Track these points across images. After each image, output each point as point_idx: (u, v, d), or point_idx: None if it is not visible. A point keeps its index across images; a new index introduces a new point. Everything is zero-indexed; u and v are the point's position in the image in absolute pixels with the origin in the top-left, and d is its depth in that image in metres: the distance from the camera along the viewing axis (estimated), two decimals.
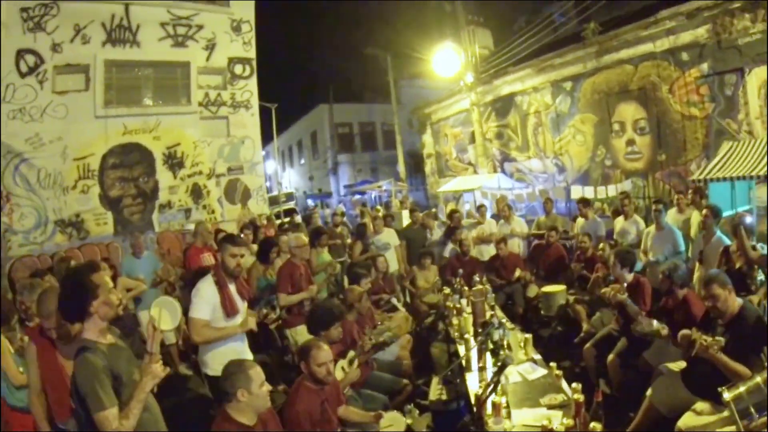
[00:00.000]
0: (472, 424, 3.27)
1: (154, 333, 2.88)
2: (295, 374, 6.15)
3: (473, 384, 4.16)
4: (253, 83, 14.91)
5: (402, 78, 26.04)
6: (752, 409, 2.80)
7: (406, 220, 13.59)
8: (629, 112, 13.42)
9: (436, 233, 9.90)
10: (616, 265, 5.24)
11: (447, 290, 6.95)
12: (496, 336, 4.71)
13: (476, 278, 7.16)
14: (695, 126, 11.85)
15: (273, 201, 15.96)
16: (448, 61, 18.16)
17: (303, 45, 31.20)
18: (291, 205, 23.39)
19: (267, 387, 2.98)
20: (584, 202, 8.91)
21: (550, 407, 3.59)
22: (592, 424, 2.96)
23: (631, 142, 13.56)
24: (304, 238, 6.49)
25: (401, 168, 24.81)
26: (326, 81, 32.02)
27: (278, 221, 16.17)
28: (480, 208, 10.28)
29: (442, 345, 6.52)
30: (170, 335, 6.62)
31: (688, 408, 3.64)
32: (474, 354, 4.58)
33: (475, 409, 3.48)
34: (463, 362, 4.58)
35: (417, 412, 3.83)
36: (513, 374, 4.19)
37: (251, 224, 10.29)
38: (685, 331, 3.74)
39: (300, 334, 5.63)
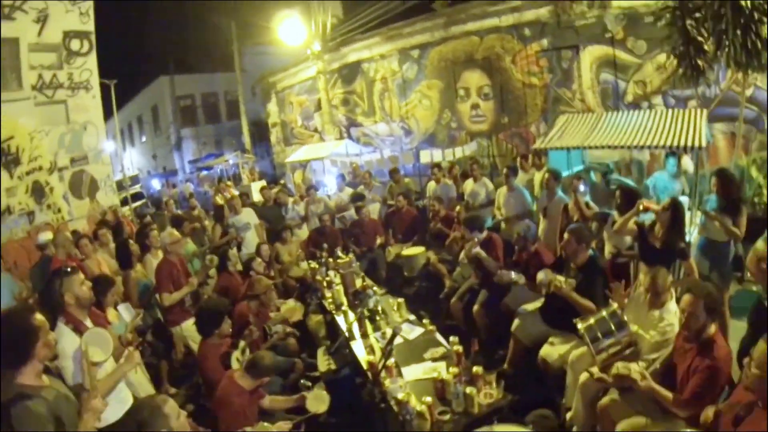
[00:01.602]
0: (371, 389, 3.52)
1: (88, 368, 2.85)
2: (187, 372, 6.23)
3: (360, 351, 4.55)
4: (92, 60, 13.20)
5: (246, 46, 25.24)
6: (600, 335, 3.51)
7: (256, 193, 13.55)
8: (474, 79, 14.55)
9: (292, 209, 9.95)
10: (466, 229, 5.97)
11: (314, 264, 7.23)
12: (371, 304, 5.16)
13: (337, 248, 7.65)
14: (535, 93, 13.35)
15: (118, 186, 14.62)
16: (295, 29, 17.91)
17: (139, 13, 28.33)
18: (137, 188, 21.85)
19: (184, 414, 2.73)
20: (437, 167, 9.63)
21: (434, 360, 4.06)
22: (474, 368, 3.47)
23: (475, 107, 14.74)
24: (177, 234, 6.39)
25: (246, 139, 24.34)
26: (166, 51, 30.02)
27: (126, 208, 15.20)
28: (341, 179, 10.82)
29: (317, 317, 6.77)
30: None
31: (546, 339, 4.47)
32: (355, 324, 4.99)
33: (370, 374, 3.89)
34: (347, 333, 4.95)
35: (310, 384, 4.04)
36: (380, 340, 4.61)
37: (104, 222, 9.50)
38: (541, 273, 4.50)
39: (187, 330, 5.74)
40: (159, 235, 6.78)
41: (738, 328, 4.57)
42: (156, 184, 28.64)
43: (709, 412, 2.61)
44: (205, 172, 25.66)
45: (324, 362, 5.18)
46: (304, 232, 9.33)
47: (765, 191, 7.81)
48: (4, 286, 6.83)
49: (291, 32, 18.15)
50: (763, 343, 2.27)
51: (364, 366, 4.14)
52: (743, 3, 7.36)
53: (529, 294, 5.28)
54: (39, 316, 2.64)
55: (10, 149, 11.34)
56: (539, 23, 12.76)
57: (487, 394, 3.33)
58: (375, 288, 5.87)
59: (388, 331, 4.62)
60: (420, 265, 7.67)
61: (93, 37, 13.12)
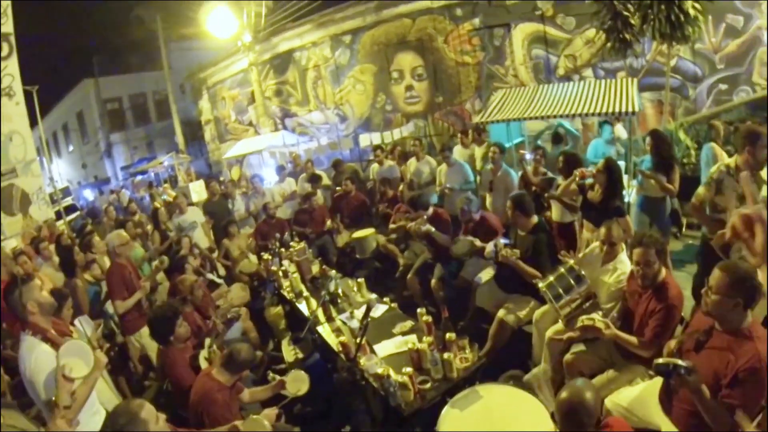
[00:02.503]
0: (351, 367, 3.62)
1: (64, 383, 2.74)
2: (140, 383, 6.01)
3: (328, 334, 4.61)
4: (13, 64, 12.27)
5: (172, 41, 24.28)
6: (561, 291, 3.72)
7: (194, 194, 13.21)
8: (407, 61, 14.79)
9: (239, 203, 9.82)
10: (411, 209, 6.37)
11: (266, 255, 7.13)
12: (332, 287, 5.19)
13: (286, 237, 7.65)
14: (468, 71, 13.72)
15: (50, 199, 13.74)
16: (225, 21, 17.29)
17: (56, 12, 26.62)
18: (69, 201, 20.71)
19: (162, 417, 2.62)
20: (380, 149, 9.71)
21: (404, 334, 4.15)
22: (447, 335, 3.58)
23: (410, 88, 15.00)
24: (126, 235, 6.06)
25: (179, 138, 23.53)
26: (88, 52, 28.43)
27: (60, 222, 14.25)
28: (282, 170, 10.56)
29: (275, 308, 6.58)
30: None
31: (504, 303, 4.67)
32: (319, 309, 4.98)
33: (343, 355, 3.95)
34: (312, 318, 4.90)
35: (278, 377, 3.99)
36: (358, 317, 4.65)
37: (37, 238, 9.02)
38: (489, 245, 4.75)
39: (144, 336, 5.48)
40: (102, 241, 6.54)
41: (680, 278, 4.91)
42: (88, 195, 27.32)
43: (671, 344, 2.82)
44: (139, 177, 24.65)
45: (290, 352, 5.17)
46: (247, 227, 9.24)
47: (693, 152, 8.32)
48: None
49: (220, 24, 17.55)
50: (717, 270, 2.52)
51: (336, 348, 4.17)
52: None
53: (482, 263, 5.50)
54: None
55: None
56: (471, 3, 13.14)
57: (463, 358, 3.44)
58: (333, 271, 5.92)
59: (356, 312, 4.75)
60: (372, 246, 7.68)
61: (13, 39, 12.28)
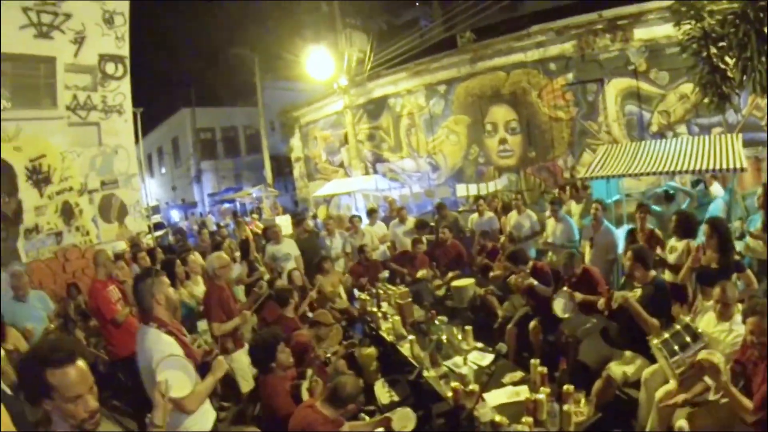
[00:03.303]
0: (467, 415, 3.73)
1: (162, 403, 2.64)
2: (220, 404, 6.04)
3: (434, 381, 4.73)
4: (126, 85, 13.31)
5: (267, 80, 25.83)
6: (676, 348, 3.76)
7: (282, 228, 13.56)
8: (501, 114, 15.07)
9: (337, 241, 9.99)
10: (512, 263, 6.27)
11: (363, 295, 7.40)
12: (438, 332, 5.37)
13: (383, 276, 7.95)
14: (561, 127, 13.86)
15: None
16: (323, 63, 18.29)
17: (163, 42, 28.76)
18: (158, 218, 22.31)
19: None
20: (482, 199, 9.97)
21: (514, 384, 4.30)
22: (565, 387, 3.72)
23: (503, 141, 15.20)
24: (226, 257, 6.17)
25: (268, 173, 24.74)
26: (188, 83, 30.70)
27: (148, 237, 15.23)
28: (370, 213, 10.73)
29: (368, 349, 6.59)
30: None
31: (610, 358, 4.68)
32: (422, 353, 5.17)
33: (452, 400, 4.10)
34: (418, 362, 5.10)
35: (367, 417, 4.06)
36: (466, 365, 4.79)
37: (136, 245, 9.62)
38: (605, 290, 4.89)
39: (237, 360, 5.52)
40: (198, 260, 6.81)
41: None
42: (175, 216, 29.14)
43: None
44: (226, 205, 26.00)
45: (385, 394, 5.25)
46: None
47: None
48: (39, 305, 6.61)
49: (318, 66, 18.46)
50: None
51: (445, 394, 4.33)
52: (767, 29, 7.77)
53: (583, 318, 5.57)
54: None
55: (42, 168, 11.40)
56: (564, 57, 13.42)
57: (578, 412, 3.58)
58: (442, 317, 5.96)
59: (458, 359, 4.93)
60: (469, 296, 7.81)
61: (127, 62, 13.34)
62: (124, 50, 13.27)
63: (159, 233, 18.83)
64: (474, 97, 15.53)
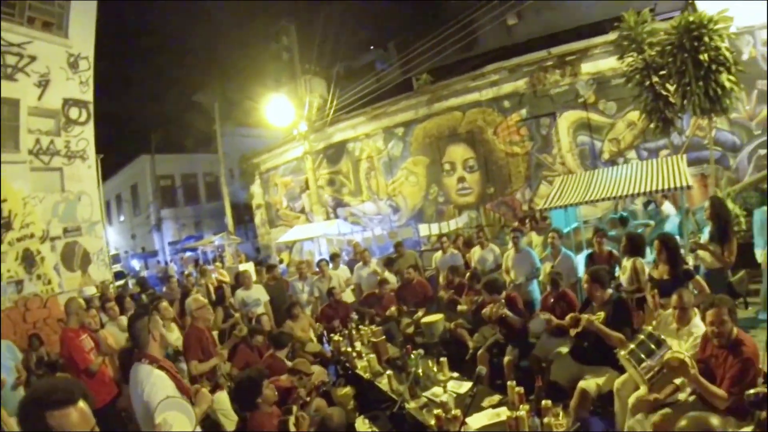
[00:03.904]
0: None
1: None
2: None
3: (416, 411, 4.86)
4: (89, 130, 13.40)
5: (225, 127, 25.91)
6: (643, 356, 3.98)
7: None
8: (459, 152, 15.61)
9: (309, 285, 10.10)
10: (487, 293, 6.49)
11: (336, 337, 7.52)
12: (415, 365, 5.50)
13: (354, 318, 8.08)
14: (517, 161, 14.45)
15: None
16: (283, 110, 18.61)
17: (122, 87, 28.63)
18: (118, 267, 21.91)
19: None
20: (445, 237, 10.21)
21: (493, 407, 4.46)
22: (543, 402, 3.90)
23: (461, 179, 15.67)
24: (203, 299, 6.36)
25: (229, 220, 24.57)
26: (148, 129, 30.50)
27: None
28: (333, 257, 10.94)
29: (342, 389, 6.69)
30: None
31: (581, 377, 4.90)
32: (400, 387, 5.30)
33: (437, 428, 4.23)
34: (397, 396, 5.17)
35: None
36: (446, 393, 4.92)
37: (105, 297, 9.47)
38: (570, 315, 5.15)
39: (219, 401, 5.50)
40: (169, 307, 6.78)
41: None
42: (136, 265, 28.56)
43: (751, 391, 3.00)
44: (188, 254, 25.71)
45: (366, 430, 5.36)
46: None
47: (743, 220, 8.64)
48: (9, 353, 6.40)
49: (279, 112, 18.79)
50: None
51: (427, 422, 4.47)
52: (701, 56, 8.48)
53: (554, 341, 5.86)
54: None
55: (2, 213, 11.11)
56: (517, 94, 14.12)
57: (558, 424, 3.73)
58: (419, 351, 6.03)
59: (437, 389, 5.06)
60: (439, 331, 7.97)
61: (91, 107, 13.40)
62: (88, 95, 13.36)
63: (119, 282, 18.50)
64: (431, 137, 16.03)
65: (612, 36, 11.24)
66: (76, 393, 1.98)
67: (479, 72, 14.67)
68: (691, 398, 3.86)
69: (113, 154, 26.50)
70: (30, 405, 1.94)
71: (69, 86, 12.97)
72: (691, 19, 8.92)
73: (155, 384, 3.13)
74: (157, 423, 2.81)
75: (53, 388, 1.96)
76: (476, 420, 4.29)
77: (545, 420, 3.70)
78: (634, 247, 6.05)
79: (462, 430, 3.87)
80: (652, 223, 9.81)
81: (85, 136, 13.36)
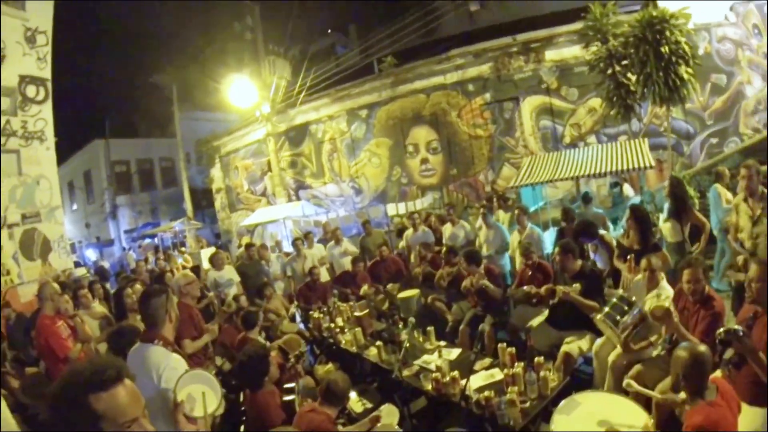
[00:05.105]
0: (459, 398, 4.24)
1: (185, 424, 2.46)
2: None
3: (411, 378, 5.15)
4: (48, 110, 12.56)
5: (184, 111, 25.31)
6: (618, 317, 4.43)
7: (205, 261, 13.26)
8: (422, 135, 15.98)
9: (275, 265, 10.44)
10: (467, 263, 6.89)
11: (316, 314, 7.69)
12: (403, 336, 5.81)
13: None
14: (480, 144, 14.94)
15: None
16: (246, 91, 18.39)
17: (75, 68, 26.97)
18: (74, 258, 21.21)
19: None
20: (416, 214, 10.56)
21: (486, 369, 4.82)
22: (536, 358, 4.32)
23: (425, 161, 16.07)
24: (191, 274, 6.46)
25: (188, 206, 24.19)
26: (102, 112, 29.17)
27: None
28: (307, 236, 10.99)
29: (325, 366, 6.78)
30: None
31: (560, 343, 5.31)
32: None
33: (434, 390, 4.57)
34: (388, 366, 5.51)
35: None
36: (435, 360, 5.23)
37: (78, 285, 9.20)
38: (546, 286, 5.70)
39: None
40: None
41: None
42: (91, 255, 27.56)
43: (720, 330, 3.44)
44: (147, 241, 25.19)
45: (357, 404, 5.47)
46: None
47: (697, 201, 9.32)
48: None
49: (241, 94, 18.52)
50: (754, 265, 3.40)
51: (426, 387, 4.75)
52: (663, 49, 9.06)
53: (531, 310, 6.30)
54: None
55: None
56: (482, 79, 14.59)
57: (551, 378, 4.13)
58: (410, 320, 6.26)
59: (428, 357, 5.39)
60: (415, 306, 8.28)
61: (50, 85, 12.59)
62: (46, 72, 12.57)
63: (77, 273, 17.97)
64: (395, 119, 16.32)
65: (576, 26, 11.83)
66: (122, 368, 1.77)
67: (444, 56, 15.02)
68: (662, 354, 4.38)
69: (65, 139, 25.34)
70: (70, 390, 1.65)
71: (26, 62, 12.12)
72: (654, 13, 9.50)
73: (176, 369, 2.87)
74: (180, 401, 2.53)
75: (98, 366, 1.72)
76: (472, 382, 4.52)
77: (542, 374, 4.08)
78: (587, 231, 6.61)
79: (466, 388, 4.21)
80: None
81: (43, 116, 12.59)
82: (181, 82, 23.43)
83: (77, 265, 19.66)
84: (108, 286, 10.89)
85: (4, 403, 3.72)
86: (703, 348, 3.00)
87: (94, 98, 28.99)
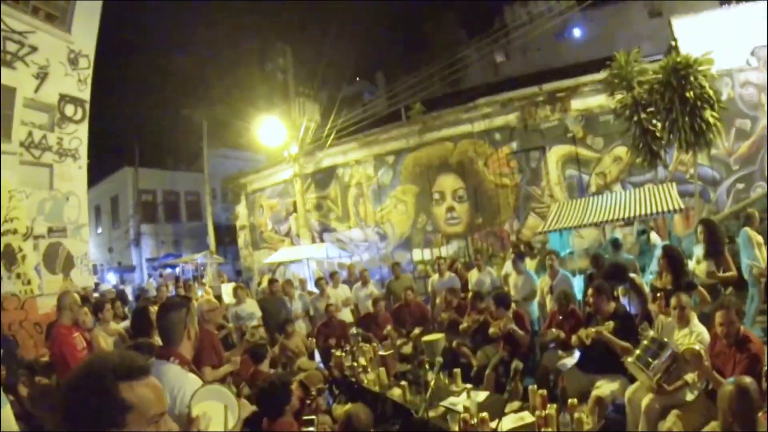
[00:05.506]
0: None
1: None
2: None
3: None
4: (83, 129, 12.97)
5: (211, 146, 25.71)
6: (650, 360, 4.29)
7: (225, 296, 13.09)
8: (448, 182, 16.04)
9: (297, 303, 10.33)
10: (497, 307, 6.86)
11: (338, 353, 7.59)
12: (430, 376, 5.72)
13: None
14: (507, 193, 14.97)
15: None
16: (275, 131, 18.70)
17: (111, 94, 27.66)
18: (95, 279, 21.41)
19: None
20: (442, 260, 10.51)
21: (515, 412, 4.72)
22: (570, 400, 4.23)
23: (450, 209, 16.08)
24: (215, 301, 6.47)
25: (212, 240, 24.39)
26: (132, 141, 29.52)
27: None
28: (333, 275, 11.11)
29: (344, 406, 6.37)
30: None
31: (590, 386, 5.16)
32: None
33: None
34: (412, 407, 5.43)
35: None
36: (463, 402, 5.16)
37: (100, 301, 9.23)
38: (581, 330, 5.49)
39: None
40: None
41: None
42: (111, 279, 27.68)
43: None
44: (169, 270, 25.31)
45: None
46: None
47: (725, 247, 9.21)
48: None
49: (270, 133, 18.83)
50: None
51: (454, 428, 4.67)
52: (688, 94, 9.13)
53: (558, 354, 6.27)
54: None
55: None
56: (508, 128, 14.73)
57: (585, 421, 4.01)
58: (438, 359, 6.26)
59: (455, 399, 5.29)
60: (440, 350, 8.18)
61: (87, 107, 13.00)
62: (86, 94, 12.98)
63: (96, 295, 18.08)
64: (422, 167, 16.41)
65: (600, 75, 11.98)
66: (150, 363, 1.71)
67: (472, 104, 15.22)
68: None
69: (96, 163, 25.71)
70: (96, 377, 1.52)
71: (67, 82, 12.60)
72: (678, 59, 9.61)
73: (191, 388, 2.66)
74: (194, 416, 2.38)
75: (128, 355, 1.63)
76: (503, 424, 4.47)
77: (576, 415, 3.97)
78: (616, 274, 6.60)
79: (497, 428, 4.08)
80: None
81: (78, 135, 12.98)
82: (212, 119, 23.92)
83: (97, 285, 19.87)
84: (126, 309, 10.96)
85: (7, 405, 3.66)
86: (748, 380, 2.91)
87: (126, 126, 29.61)
